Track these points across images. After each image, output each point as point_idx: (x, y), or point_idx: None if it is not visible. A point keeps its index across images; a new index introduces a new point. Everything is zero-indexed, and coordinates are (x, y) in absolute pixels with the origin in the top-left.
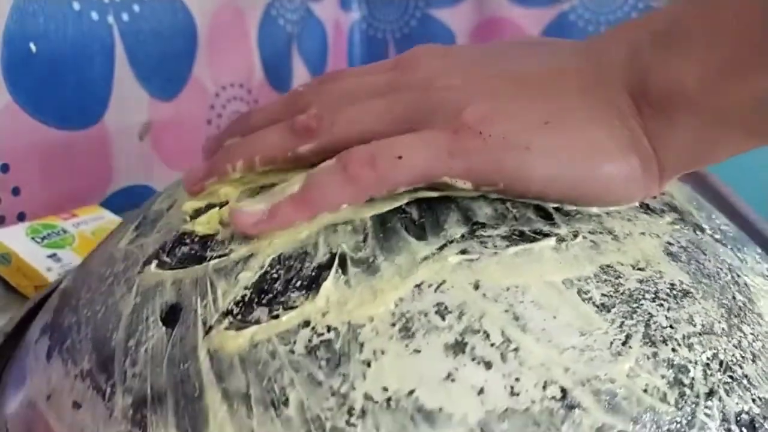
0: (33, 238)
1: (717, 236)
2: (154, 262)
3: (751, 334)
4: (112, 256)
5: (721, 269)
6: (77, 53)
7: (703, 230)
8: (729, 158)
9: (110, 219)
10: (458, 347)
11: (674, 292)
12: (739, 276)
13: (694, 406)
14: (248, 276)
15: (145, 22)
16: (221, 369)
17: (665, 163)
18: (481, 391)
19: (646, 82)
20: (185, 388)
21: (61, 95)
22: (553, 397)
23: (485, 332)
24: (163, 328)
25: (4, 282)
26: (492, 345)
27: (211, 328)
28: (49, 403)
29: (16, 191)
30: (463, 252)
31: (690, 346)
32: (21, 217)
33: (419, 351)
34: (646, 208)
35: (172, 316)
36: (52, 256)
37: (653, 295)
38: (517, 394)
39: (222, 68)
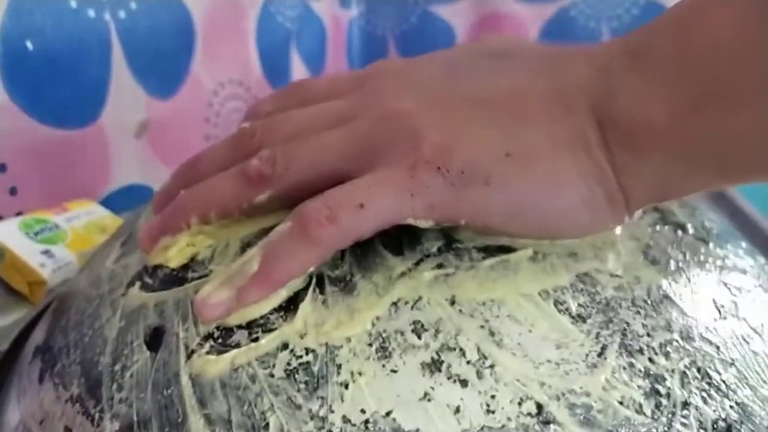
0: (26, 233)
1: (699, 234)
2: (137, 284)
3: (731, 337)
4: (99, 277)
5: (702, 270)
6: (74, 51)
7: (684, 229)
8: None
9: (102, 214)
10: (434, 366)
11: (651, 298)
12: (720, 275)
13: (670, 416)
14: None
15: (142, 19)
16: (203, 394)
17: (631, 195)
18: (457, 410)
19: (613, 111)
20: (169, 414)
21: (58, 93)
22: (529, 413)
23: (461, 349)
24: (147, 352)
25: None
26: (468, 362)
27: (193, 352)
28: (42, 428)
29: (13, 191)
30: (440, 266)
31: (667, 355)
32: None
33: (396, 371)
34: None
35: (155, 339)
36: (46, 252)
37: (630, 303)
38: (493, 412)
39: (220, 66)
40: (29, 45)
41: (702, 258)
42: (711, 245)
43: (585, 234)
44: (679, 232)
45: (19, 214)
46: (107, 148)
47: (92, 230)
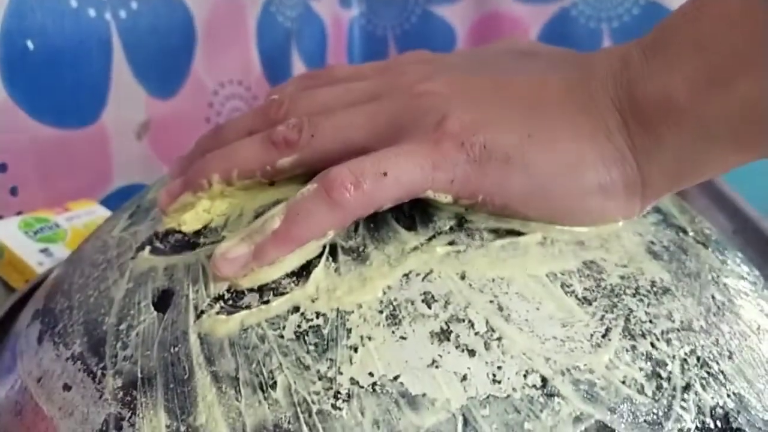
0: (26, 232)
1: (699, 238)
2: (147, 248)
3: (729, 332)
4: (105, 243)
5: (702, 269)
6: (74, 50)
7: (686, 232)
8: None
9: (103, 214)
10: (443, 335)
11: (655, 288)
12: (719, 277)
13: (670, 398)
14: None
15: (142, 19)
16: (211, 352)
17: (649, 181)
18: (464, 378)
19: (633, 95)
20: (175, 371)
21: (59, 93)
22: (534, 386)
23: (470, 321)
24: (155, 312)
25: None
26: (476, 333)
27: (202, 312)
28: (40, 385)
29: (14, 191)
30: (451, 243)
31: (668, 341)
32: None
33: (405, 338)
34: None
35: (163, 301)
36: (44, 250)
37: (634, 291)
38: (499, 382)
39: (220, 65)
40: (30, 44)
41: (702, 259)
42: (710, 249)
43: (595, 222)
44: (681, 234)
45: (19, 213)
46: (108, 148)
47: (92, 229)
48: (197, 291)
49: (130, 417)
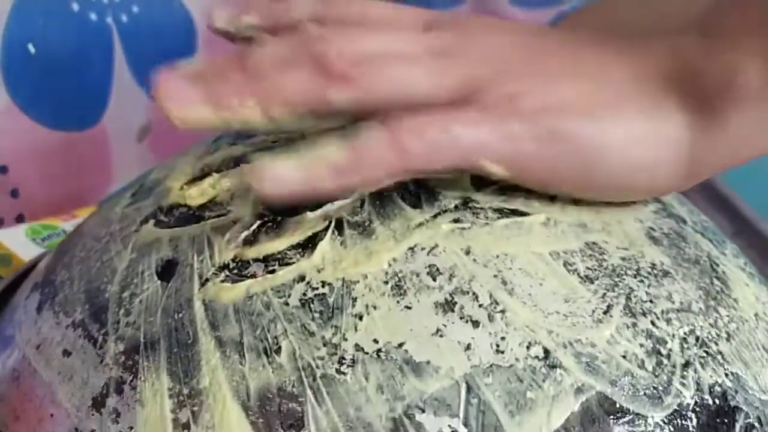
0: (33, 239)
1: (698, 228)
2: (152, 221)
3: (727, 316)
4: (107, 218)
5: (701, 257)
6: (76, 54)
7: (685, 222)
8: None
9: None
10: (447, 306)
11: (655, 271)
12: (717, 265)
13: (670, 374)
14: (245, 235)
15: (144, 23)
16: (215, 318)
17: (704, 159)
18: (467, 348)
19: (695, 73)
20: (179, 336)
21: (60, 96)
22: (536, 357)
23: (474, 294)
24: (159, 281)
25: None
26: (480, 306)
27: (207, 281)
28: (38, 352)
29: (14, 193)
30: (456, 221)
31: (668, 321)
32: (20, 219)
33: (410, 307)
34: None
35: (167, 270)
36: None
37: (635, 272)
38: (502, 352)
39: None
40: (31, 48)
41: (701, 247)
42: (708, 239)
43: (639, 197)
44: (680, 223)
45: (20, 216)
46: (109, 151)
47: None
48: (202, 261)
49: (132, 380)
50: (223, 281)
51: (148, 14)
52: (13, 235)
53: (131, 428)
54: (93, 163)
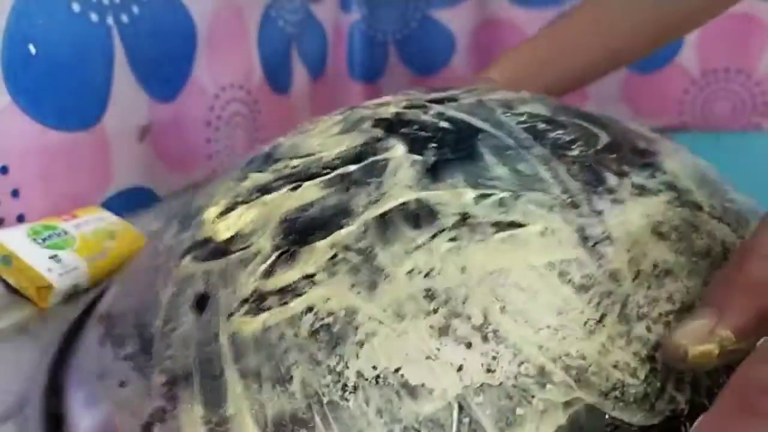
0: (34, 239)
1: (716, 213)
2: (188, 257)
3: None
4: (156, 250)
5: (713, 247)
6: (77, 55)
7: (700, 208)
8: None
9: (111, 220)
10: (442, 330)
11: (656, 271)
12: (731, 251)
13: (664, 380)
14: (264, 268)
15: (144, 23)
16: (238, 351)
17: None
18: (459, 368)
19: None
20: (209, 368)
21: (61, 97)
22: (526, 374)
23: (467, 315)
24: (193, 315)
25: (6, 283)
26: (473, 327)
27: (231, 314)
28: (101, 383)
29: (15, 193)
30: (453, 240)
31: (666, 324)
32: (20, 219)
33: (407, 333)
34: (641, 189)
35: (201, 304)
36: (53, 257)
37: (634, 275)
38: (493, 371)
39: (221, 70)
40: (32, 48)
41: (714, 235)
42: (726, 224)
43: None
44: (694, 211)
45: (21, 216)
46: (109, 151)
47: (100, 236)
48: (228, 294)
49: (173, 410)
50: (245, 314)
51: (148, 15)
52: (13, 235)
53: None
54: (94, 163)
